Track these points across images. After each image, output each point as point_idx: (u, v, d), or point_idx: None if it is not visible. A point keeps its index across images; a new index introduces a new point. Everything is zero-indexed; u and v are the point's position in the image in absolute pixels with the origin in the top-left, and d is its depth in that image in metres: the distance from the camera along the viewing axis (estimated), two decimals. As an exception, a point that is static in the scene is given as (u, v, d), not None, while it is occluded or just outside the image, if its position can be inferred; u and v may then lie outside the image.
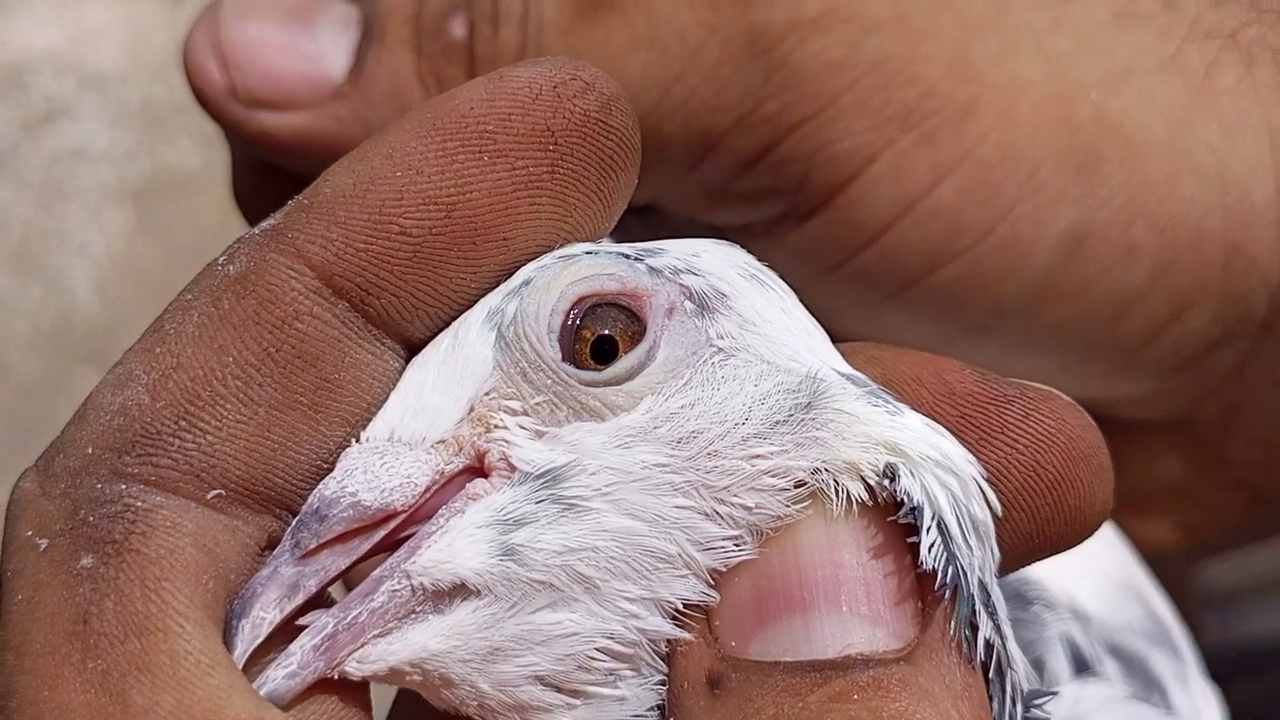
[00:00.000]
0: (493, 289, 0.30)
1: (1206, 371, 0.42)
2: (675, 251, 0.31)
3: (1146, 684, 0.41)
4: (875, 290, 0.40)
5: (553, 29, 0.38)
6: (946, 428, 0.30)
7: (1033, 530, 0.31)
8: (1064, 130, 0.39)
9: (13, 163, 1.48)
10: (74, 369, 1.35)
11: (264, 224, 0.30)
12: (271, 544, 0.30)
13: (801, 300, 0.32)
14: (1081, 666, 0.40)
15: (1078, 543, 0.32)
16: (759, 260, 0.32)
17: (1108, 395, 0.42)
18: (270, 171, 0.41)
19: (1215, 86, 0.39)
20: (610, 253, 0.31)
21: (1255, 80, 0.39)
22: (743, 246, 0.33)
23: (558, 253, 0.31)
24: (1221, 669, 0.45)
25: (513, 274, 0.30)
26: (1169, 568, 0.47)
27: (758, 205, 0.40)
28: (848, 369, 0.31)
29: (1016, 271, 0.39)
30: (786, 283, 0.32)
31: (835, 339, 0.32)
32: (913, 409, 0.31)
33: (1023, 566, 0.32)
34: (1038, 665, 0.39)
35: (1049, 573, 0.40)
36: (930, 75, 0.38)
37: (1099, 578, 0.43)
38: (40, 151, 1.49)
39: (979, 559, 0.29)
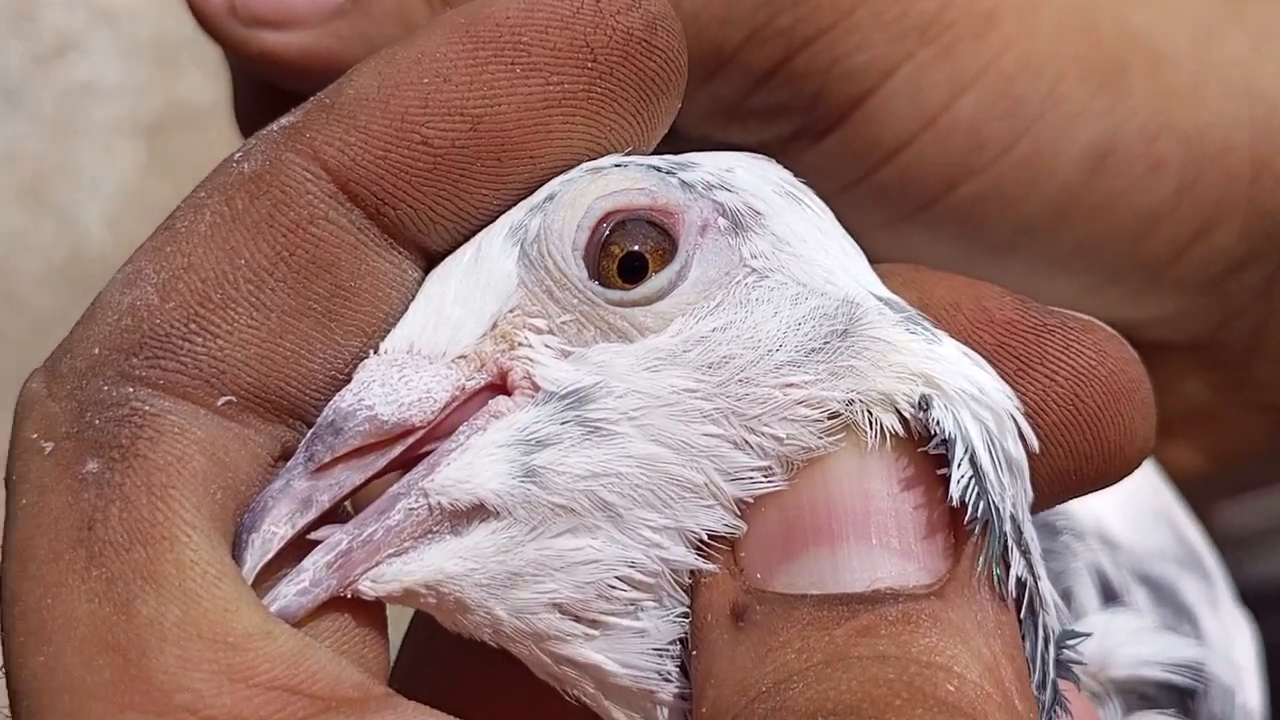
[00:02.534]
0: (517, 204, 0.30)
1: (1232, 291, 0.41)
2: (708, 166, 0.30)
3: (1176, 612, 0.41)
4: (894, 208, 0.40)
5: None
6: (984, 356, 0.30)
7: (1070, 467, 0.30)
8: (1087, 42, 0.38)
9: (23, 97, 1.47)
10: (86, 303, 1.34)
11: (283, 120, 0.29)
12: (285, 455, 0.29)
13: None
14: (1110, 596, 0.39)
15: (1117, 480, 0.31)
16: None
17: (1132, 316, 0.42)
18: (272, 93, 0.40)
19: None
20: (640, 165, 0.29)
21: None
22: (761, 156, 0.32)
23: (585, 166, 0.29)
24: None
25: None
26: (1189, 504, 0.46)
27: (772, 122, 0.39)
28: (885, 292, 0.30)
29: (1039, 187, 0.38)
30: None
31: None
32: (950, 336, 0.30)
33: (1059, 503, 0.31)
34: (1066, 596, 0.38)
35: (1076, 500, 0.40)
36: None
37: (1127, 503, 0.42)
38: (51, 86, 1.47)
39: (1012, 495, 0.29)
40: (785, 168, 0.32)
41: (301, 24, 0.38)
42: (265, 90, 0.41)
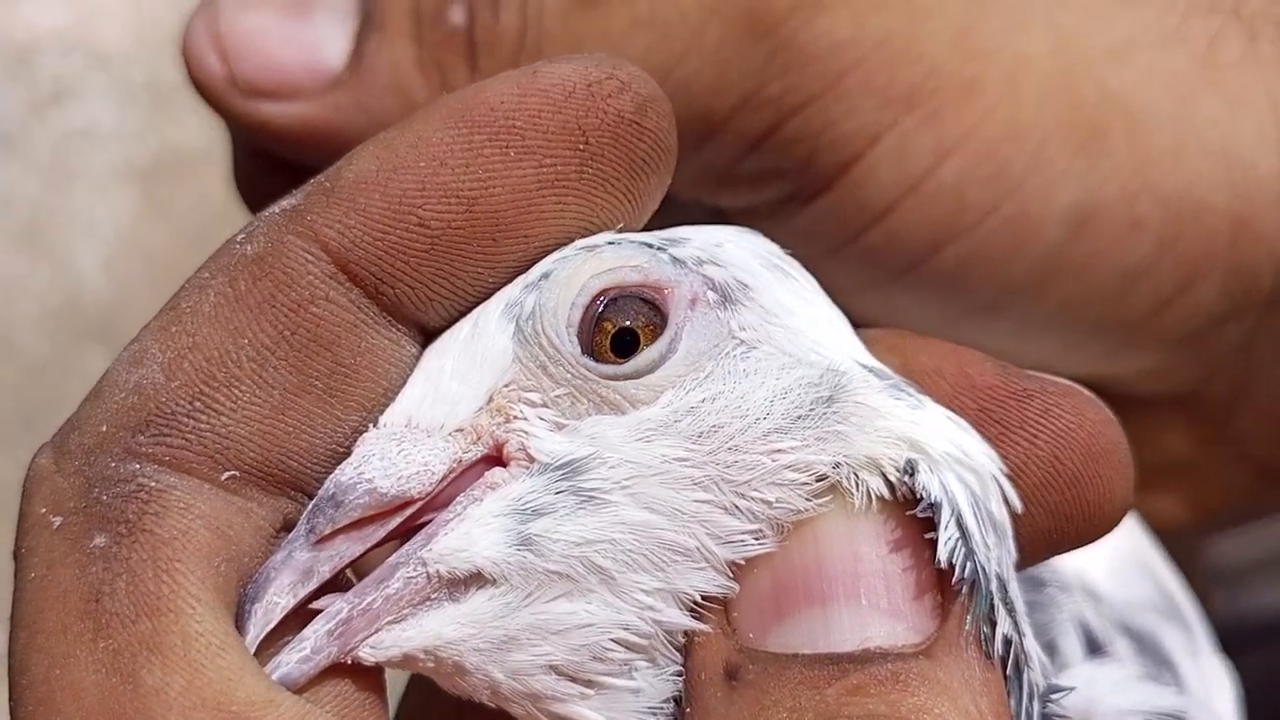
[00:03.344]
0: (512, 280, 0.30)
1: (1213, 346, 0.41)
2: (697, 241, 0.31)
3: (1158, 662, 0.41)
4: (882, 270, 0.40)
5: (553, 14, 0.38)
6: (966, 420, 0.30)
7: (1051, 526, 0.31)
8: (1068, 106, 0.38)
9: (20, 142, 1.47)
10: (82, 348, 1.34)
11: (284, 202, 0.30)
12: (286, 527, 0.29)
13: (810, 283, 0.32)
14: (1094, 647, 0.40)
15: (1097, 538, 0.32)
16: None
17: (1114, 371, 0.42)
18: (271, 161, 0.41)
19: (1219, 60, 0.39)
20: (633, 243, 0.30)
21: (1259, 54, 0.39)
22: (750, 229, 0.32)
23: (579, 244, 0.30)
24: (1229, 644, 0.45)
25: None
26: (1176, 544, 0.47)
27: (762, 187, 0.40)
28: (870, 360, 0.31)
29: (1023, 249, 0.39)
30: None
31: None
32: (934, 401, 0.30)
33: (1041, 561, 0.32)
34: (1050, 648, 0.39)
35: (1059, 555, 0.40)
36: (934, 53, 0.38)
37: (1111, 555, 0.43)
38: (47, 131, 1.48)
39: (997, 555, 0.29)
40: (775, 231, 0.32)
41: (300, 95, 0.38)
42: (265, 159, 0.41)
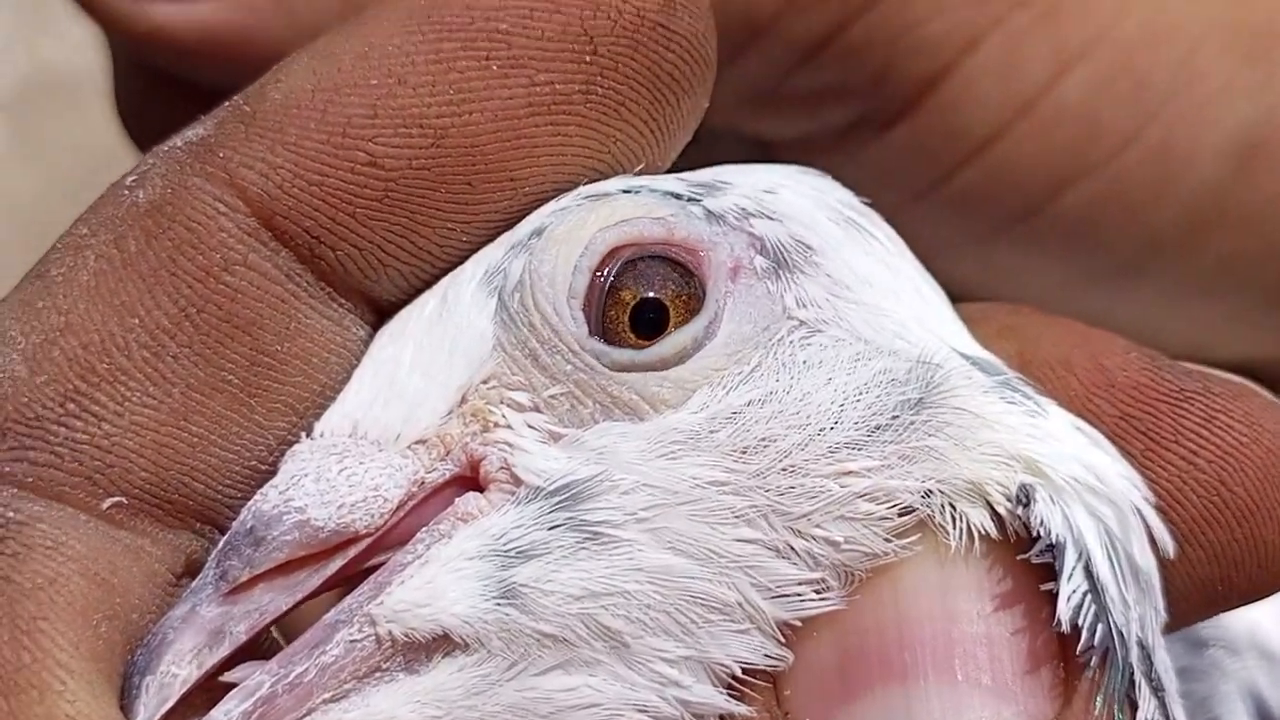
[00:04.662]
0: (494, 239, 0.29)
1: None
2: (743, 187, 0.30)
3: None
4: (982, 221, 0.40)
5: None
6: (1102, 431, 0.29)
7: (1216, 575, 0.30)
8: (1231, 1, 0.38)
9: None
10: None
11: (189, 133, 0.29)
12: (190, 572, 0.28)
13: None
14: None
15: (1276, 591, 0.30)
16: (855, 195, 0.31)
17: None
18: (166, 83, 0.40)
19: None
20: (654, 191, 0.29)
21: None
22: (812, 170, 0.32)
23: (583, 191, 0.29)
24: None
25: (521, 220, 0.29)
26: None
27: (820, 110, 0.39)
28: (975, 349, 0.30)
29: (1172, 190, 0.38)
30: None
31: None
32: (1059, 405, 0.29)
33: (1199, 620, 0.31)
34: (1212, 732, 0.39)
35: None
36: None
37: None
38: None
39: (1139, 614, 0.28)
40: (838, 170, 0.31)
41: None
42: (158, 79, 0.40)
